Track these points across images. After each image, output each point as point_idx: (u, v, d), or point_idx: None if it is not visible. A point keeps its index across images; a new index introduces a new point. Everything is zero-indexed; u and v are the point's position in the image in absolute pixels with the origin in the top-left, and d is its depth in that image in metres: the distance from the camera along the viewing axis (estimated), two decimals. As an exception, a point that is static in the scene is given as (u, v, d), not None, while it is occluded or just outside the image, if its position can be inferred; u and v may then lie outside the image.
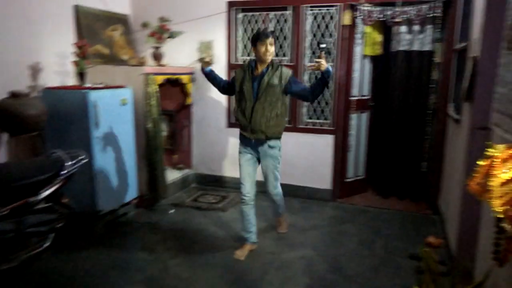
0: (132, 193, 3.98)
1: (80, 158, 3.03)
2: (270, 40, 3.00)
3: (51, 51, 3.80)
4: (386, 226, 3.83)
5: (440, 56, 4.09)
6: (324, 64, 2.84)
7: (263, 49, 2.99)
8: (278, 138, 3.17)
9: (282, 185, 4.53)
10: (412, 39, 4.20)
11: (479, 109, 2.55)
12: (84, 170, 3.29)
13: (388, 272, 2.96)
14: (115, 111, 3.66)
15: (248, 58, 4.60)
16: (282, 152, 3.26)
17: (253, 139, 3.11)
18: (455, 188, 3.11)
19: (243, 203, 3.25)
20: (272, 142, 3.13)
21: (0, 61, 3.34)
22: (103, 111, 3.48)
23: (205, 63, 3.29)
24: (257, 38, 3.01)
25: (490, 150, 1.42)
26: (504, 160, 1.38)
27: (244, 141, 3.19)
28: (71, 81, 4.04)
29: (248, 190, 3.21)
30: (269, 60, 3.05)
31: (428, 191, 4.28)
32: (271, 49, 3.02)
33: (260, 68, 3.08)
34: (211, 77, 3.36)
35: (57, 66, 3.88)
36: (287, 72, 3.08)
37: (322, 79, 2.90)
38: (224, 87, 3.39)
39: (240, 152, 3.24)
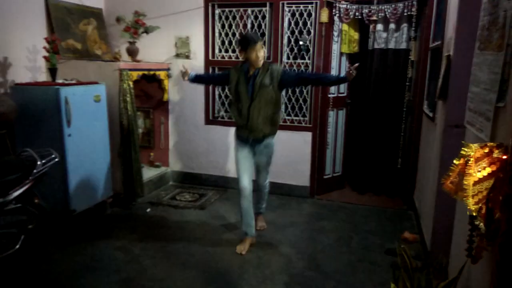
0: (107, 192, 3.89)
1: (51, 157, 2.94)
2: (260, 44, 3.04)
3: (21, 46, 3.66)
4: (363, 222, 3.88)
5: (415, 54, 4.16)
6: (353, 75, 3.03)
7: (253, 55, 3.04)
8: (274, 135, 3.31)
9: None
10: (388, 38, 4.25)
11: (452, 107, 2.60)
12: (56, 169, 3.20)
13: (365, 268, 3.00)
14: (88, 108, 3.56)
15: (227, 54, 4.56)
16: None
17: (251, 138, 3.20)
18: (429, 184, 3.17)
19: (242, 197, 3.26)
20: (268, 140, 3.26)
21: (-35, 56, 3.19)
22: (75, 108, 3.38)
23: (184, 74, 3.39)
24: (247, 44, 3.04)
25: (464, 149, 1.44)
26: (478, 159, 1.41)
27: (241, 139, 3.27)
28: (42, 77, 3.91)
29: (246, 184, 3.23)
30: (261, 65, 3.10)
31: (403, 187, 4.36)
32: (262, 53, 3.07)
33: (252, 70, 3.13)
34: (198, 79, 3.48)
35: (27, 61, 3.75)
36: (277, 69, 3.14)
37: (342, 80, 3.34)
38: (216, 79, 3.65)
39: (237, 149, 3.32)
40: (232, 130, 4.60)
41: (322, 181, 4.57)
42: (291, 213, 4.07)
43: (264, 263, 3.07)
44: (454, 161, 1.46)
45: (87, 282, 2.77)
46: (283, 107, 4.45)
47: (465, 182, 1.39)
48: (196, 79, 3.44)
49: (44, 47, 3.56)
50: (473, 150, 1.41)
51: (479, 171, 1.39)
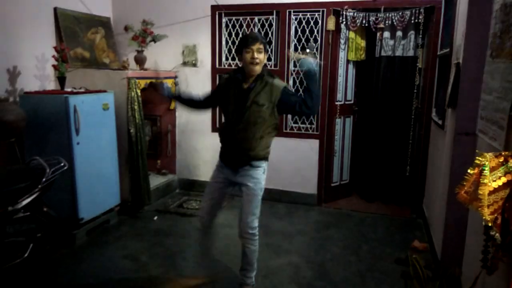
0: (114, 200, 3.89)
1: (60, 165, 2.95)
2: (258, 45, 2.42)
3: (30, 55, 3.69)
4: (371, 230, 3.84)
5: (423, 61, 4.15)
6: (294, 55, 2.55)
7: (248, 56, 2.43)
8: (264, 159, 2.62)
9: (267, 190, 4.55)
10: (396, 45, 4.25)
11: (462, 115, 2.58)
12: (65, 177, 3.21)
13: (374, 278, 2.97)
14: (96, 116, 3.57)
15: (234, 62, 4.58)
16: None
17: (233, 160, 2.62)
18: (439, 192, 3.14)
19: (199, 228, 2.84)
20: (255, 162, 2.58)
21: (-24, 65, 3.22)
22: (84, 116, 3.39)
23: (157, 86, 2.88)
24: (243, 44, 2.46)
25: (478, 158, 1.42)
26: (493, 169, 1.39)
27: (223, 160, 2.71)
28: (51, 85, 3.94)
29: (205, 213, 2.74)
30: (256, 71, 2.47)
31: (412, 195, 4.32)
32: (260, 56, 2.44)
33: (248, 82, 2.52)
34: (183, 98, 2.89)
35: (36, 70, 3.78)
36: (278, 86, 2.49)
37: (305, 76, 2.51)
38: (201, 102, 2.85)
39: (214, 171, 2.78)
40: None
41: (329, 189, 4.55)
42: (298, 221, 4.05)
43: (273, 272, 3.04)
44: (469, 170, 1.44)
45: (95, 291, 2.76)
46: (289, 115, 4.44)
47: (480, 192, 1.37)
48: (181, 97, 2.90)
49: (53, 56, 3.59)
50: (487, 159, 1.39)
51: (494, 181, 1.38)
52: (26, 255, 2.81)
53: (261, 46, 2.44)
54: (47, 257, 3.18)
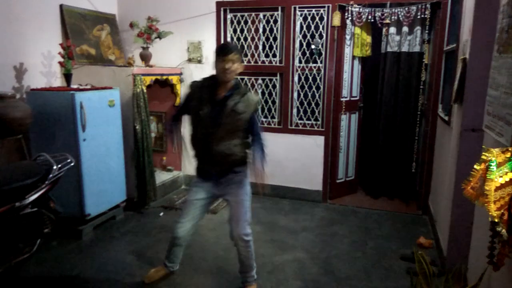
0: (120, 196, 3.92)
1: (67, 161, 2.97)
2: (232, 56, 2.43)
3: (36, 52, 3.71)
4: (377, 227, 3.84)
5: (429, 57, 4.12)
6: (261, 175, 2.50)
7: (221, 66, 2.44)
8: (245, 163, 2.60)
9: (273, 187, 4.57)
10: (401, 41, 4.22)
11: (469, 111, 2.57)
12: (71, 173, 3.24)
13: (380, 274, 2.96)
14: (102, 112, 3.59)
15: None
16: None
17: (214, 172, 2.59)
18: (445, 188, 3.13)
19: (175, 244, 2.79)
20: (237, 168, 2.57)
21: (-17, 62, 3.25)
22: (90, 112, 3.41)
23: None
24: (217, 53, 2.48)
25: (485, 153, 1.41)
26: (499, 164, 1.38)
27: (202, 175, 2.65)
28: (57, 82, 3.96)
29: (181, 233, 2.69)
30: (229, 80, 2.49)
31: (418, 192, 4.31)
32: (233, 66, 2.45)
33: (222, 90, 2.51)
34: (177, 128, 2.94)
35: (43, 67, 3.80)
36: (254, 100, 2.54)
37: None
38: (180, 119, 2.85)
39: (192, 187, 2.72)
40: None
41: (335, 185, 4.54)
42: (304, 217, 4.05)
43: (278, 268, 3.05)
44: (475, 166, 1.43)
45: (101, 285, 2.78)
46: (295, 110, 4.44)
47: (487, 188, 1.36)
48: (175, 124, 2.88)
49: (59, 53, 3.61)
50: (494, 155, 1.39)
51: (501, 177, 1.37)
52: (33, 250, 2.84)
53: (235, 57, 2.45)
54: (54, 252, 3.22)
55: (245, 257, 2.67)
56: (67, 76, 3.62)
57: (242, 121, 2.48)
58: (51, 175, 2.81)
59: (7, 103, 3.11)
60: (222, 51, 2.46)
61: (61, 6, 3.97)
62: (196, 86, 2.59)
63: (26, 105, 3.31)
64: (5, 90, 3.27)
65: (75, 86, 3.61)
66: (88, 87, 3.66)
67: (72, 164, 2.99)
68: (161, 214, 4.08)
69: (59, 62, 3.67)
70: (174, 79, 4.55)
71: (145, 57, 4.33)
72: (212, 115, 2.48)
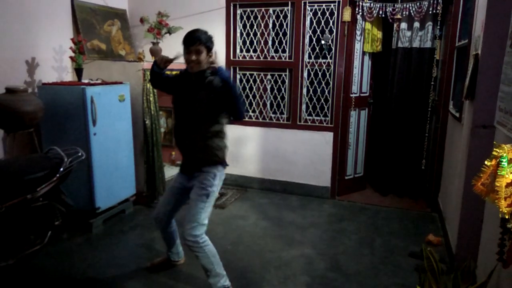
0: (130, 190, 3.95)
1: (77, 155, 3.00)
2: (197, 46, 2.38)
3: (47, 46, 3.75)
4: (385, 224, 3.82)
5: (440, 53, 4.08)
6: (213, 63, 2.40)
7: (186, 58, 2.43)
8: (217, 164, 2.54)
9: (281, 183, 4.58)
10: (413, 36, 4.18)
11: (480, 107, 2.54)
12: (82, 167, 3.28)
13: (388, 271, 2.95)
14: (112, 107, 3.62)
15: (248, 54, 4.57)
16: (220, 184, 2.58)
17: (188, 167, 2.59)
18: (455, 186, 3.10)
19: (160, 231, 2.83)
20: (206, 168, 2.51)
21: (-4, 56, 3.29)
22: (100, 107, 3.44)
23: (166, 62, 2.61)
24: (182, 43, 2.44)
25: (496, 149, 1.40)
26: (511, 161, 1.37)
27: (182, 166, 2.68)
28: (68, 77, 4.00)
29: (156, 214, 2.71)
30: (195, 70, 2.44)
31: (427, 189, 4.28)
32: (199, 57, 2.39)
33: (193, 80, 2.49)
34: (161, 76, 2.68)
35: (54, 61, 3.84)
36: (218, 81, 2.38)
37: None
38: (165, 82, 2.70)
39: (176, 176, 2.75)
40: (251, 129, 4.62)
41: (343, 182, 4.53)
42: (312, 213, 4.05)
43: (285, 263, 3.06)
44: (486, 162, 1.42)
45: (111, 277, 2.82)
46: (304, 106, 4.43)
47: (497, 184, 1.35)
48: (163, 75, 2.68)
49: (71, 48, 3.64)
50: (505, 151, 1.37)
51: (512, 173, 1.35)
52: (44, 242, 2.88)
53: (200, 47, 2.38)
54: (65, 244, 3.26)
55: (202, 261, 2.50)
56: (78, 71, 3.65)
57: (206, 110, 2.43)
58: (62, 169, 2.84)
59: (19, 97, 3.16)
60: (186, 41, 2.41)
61: (72, 1, 4.00)
62: (182, 74, 2.59)
63: (38, 99, 3.35)
64: (17, 84, 3.31)
65: (86, 81, 3.64)
66: (99, 81, 3.69)
67: (82, 157, 3.02)
68: (170, 208, 4.10)
69: (70, 57, 3.70)
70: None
71: (155, 52, 4.35)
72: (182, 106, 2.51)
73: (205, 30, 2.51)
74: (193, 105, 2.46)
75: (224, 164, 2.59)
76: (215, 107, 2.43)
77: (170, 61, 2.57)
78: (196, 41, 2.38)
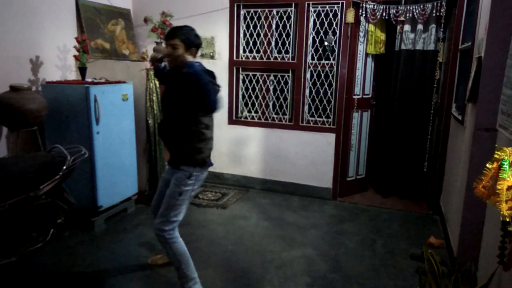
0: (132, 189, 3.97)
1: (80, 153, 3.01)
2: (172, 41, 2.41)
3: (52, 45, 3.77)
4: (386, 225, 3.82)
5: (443, 55, 4.07)
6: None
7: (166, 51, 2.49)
8: (194, 165, 2.49)
9: (282, 183, 4.58)
10: (416, 38, 4.18)
11: (483, 110, 2.54)
12: (85, 166, 3.29)
13: (389, 272, 2.95)
14: (116, 106, 3.64)
15: (251, 54, 4.58)
16: (198, 184, 2.54)
17: (170, 158, 2.60)
18: (457, 188, 3.10)
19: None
20: (183, 166, 2.48)
21: (1, 55, 3.31)
22: (103, 106, 3.46)
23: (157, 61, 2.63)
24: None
25: (497, 152, 1.40)
26: (512, 164, 1.37)
27: (169, 158, 2.67)
28: (72, 75, 4.02)
29: (152, 206, 2.76)
30: (170, 65, 2.53)
31: (429, 191, 4.27)
32: (175, 51, 2.41)
33: (171, 74, 2.55)
34: (163, 72, 2.70)
35: (58, 60, 3.86)
36: (189, 79, 2.33)
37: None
38: (163, 74, 2.71)
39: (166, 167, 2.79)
40: (253, 130, 4.63)
41: (345, 183, 4.53)
42: (313, 214, 4.05)
43: (286, 264, 3.06)
44: (487, 165, 1.42)
45: (112, 276, 2.83)
46: (306, 107, 4.43)
47: (499, 187, 1.35)
48: (164, 70, 2.71)
49: (75, 47, 3.66)
50: (507, 154, 1.37)
51: (513, 176, 1.36)
52: (47, 239, 2.89)
53: (176, 42, 2.40)
54: (67, 242, 3.28)
55: (169, 257, 2.55)
56: (82, 70, 3.67)
57: (175, 103, 2.44)
58: (65, 167, 2.85)
59: (23, 95, 3.17)
60: (166, 35, 2.48)
61: (76, 0, 4.02)
62: (169, 70, 2.63)
63: (42, 97, 3.36)
64: (21, 83, 3.33)
65: (89, 80, 3.66)
66: (102, 81, 3.70)
67: (85, 156, 3.03)
68: (172, 207, 4.11)
69: (74, 56, 3.72)
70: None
71: (159, 52, 4.35)
72: (162, 100, 2.60)
73: (192, 28, 2.54)
74: (168, 99, 2.52)
75: (203, 165, 2.54)
76: (185, 100, 2.41)
77: (157, 60, 2.60)
78: (172, 35, 2.42)
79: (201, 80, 2.28)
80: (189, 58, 2.42)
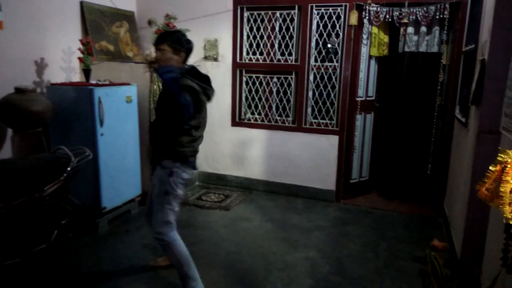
0: (135, 191, 3.98)
1: (85, 154, 3.03)
2: (160, 46, 2.46)
3: (56, 47, 3.80)
4: (390, 228, 3.81)
5: (447, 58, 4.07)
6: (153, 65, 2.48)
7: (155, 55, 2.55)
8: (172, 159, 2.48)
9: (286, 185, 4.58)
10: (419, 41, 4.18)
11: (486, 113, 2.53)
12: (89, 167, 3.31)
13: (392, 275, 2.95)
14: (120, 108, 3.65)
15: (255, 56, 4.59)
16: (180, 182, 2.52)
17: (153, 160, 2.67)
18: (460, 191, 3.09)
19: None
20: (163, 162, 2.50)
21: (6, 57, 3.34)
22: (107, 108, 3.48)
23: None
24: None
25: (501, 155, 1.40)
26: (516, 166, 1.37)
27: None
28: (76, 77, 4.04)
29: (145, 213, 2.81)
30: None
31: (433, 194, 4.26)
32: (162, 56, 2.45)
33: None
34: None
35: (63, 62, 3.88)
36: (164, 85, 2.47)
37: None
38: None
39: None
40: (256, 132, 4.64)
41: (348, 186, 4.52)
42: (316, 216, 4.05)
43: (289, 266, 3.06)
44: (490, 168, 1.42)
45: (115, 277, 2.84)
46: (309, 110, 4.43)
47: (502, 189, 1.35)
48: None
49: (79, 49, 3.69)
50: (510, 157, 1.37)
51: (517, 178, 1.35)
52: (51, 240, 2.91)
53: (164, 46, 2.44)
54: (70, 244, 3.29)
55: (171, 259, 2.60)
56: (86, 72, 3.69)
57: (164, 106, 2.48)
58: (69, 168, 2.87)
59: (28, 97, 3.20)
60: (155, 40, 2.52)
61: (81, 3, 4.05)
62: None
63: (46, 99, 3.39)
64: (26, 84, 3.35)
65: (93, 82, 3.67)
66: (107, 83, 3.72)
67: (90, 157, 3.04)
68: (175, 209, 4.12)
69: (79, 58, 3.74)
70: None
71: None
72: (157, 101, 2.64)
73: (183, 33, 2.63)
74: (158, 101, 2.58)
75: (184, 162, 2.52)
76: (164, 104, 2.48)
77: (150, 62, 2.62)
78: (160, 40, 2.47)
79: (171, 88, 2.31)
80: (176, 62, 2.46)
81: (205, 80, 2.52)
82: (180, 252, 2.53)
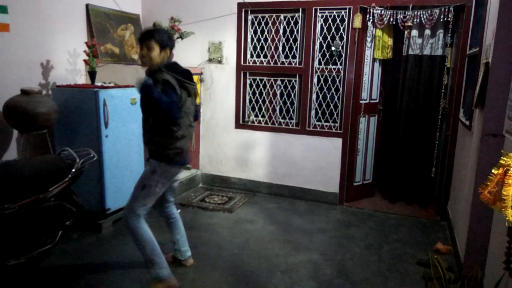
0: (139, 192, 3.99)
1: (89, 156, 3.06)
2: (145, 42, 2.46)
3: (62, 50, 3.83)
4: (393, 231, 3.80)
5: (451, 61, 4.07)
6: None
7: (139, 52, 2.54)
8: (158, 159, 2.55)
9: (289, 188, 4.58)
10: (424, 44, 4.17)
11: (490, 116, 2.53)
12: (93, 169, 3.33)
13: (395, 278, 2.94)
14: (124, 110, 3.67)
15: (259, 59, 4.61)
16: (163, 181, 2.57)
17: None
18: (464, 194, 3.08)
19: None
20: (151, 161, 2.59)
21: (12, 59, 3.37)
22: (112, 110, 3.50)
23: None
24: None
25: (503, 158, 1.40)
26: (518, 169, 1.37)
27: None
28: (82, 79, 4.08)
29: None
30: (146, 66, 2.54)
31: (436, 197, 4.25)
32: (148, 53, 2.46)
33: (145, 75, 2.58)
34: None
35: (68, 64, 3.92)
36: (159, 77, 2.41)
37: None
38: None
39: None
40: (260, 134, 4.65)
41: (351, 188, 4.52)
42: (319, 219, 4.05)
43: (292, 268, 3.06)
44: (493, 170, 1.42)
45: (119, 279, 2.85)
46: (313, 112, 4.44)
47: (504, 193, 1.35)
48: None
49: (85, 51, 3.72)
50: (513, 160, 1.37)
51: (520, 182, 1.35)
52: (55, 241, 2.93)
53: (150, 43, 2.45)
54: (75, 244, 3.31)
55: (135, 244, 2.62)
56: (92, 74, 3.72)
57: (142, 104, 2.54)
58: (74, 169, 2.90)
59: (33, 99, 3.23)
60: (140, 36, 2.51)
61: (87, 5, 4.08)
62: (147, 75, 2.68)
63: (52, 101, 3.42)
64: (32, 86, 3.39)
65: (99, 84, 3.70)
66: (112, 85, 3.75)
67: (94, 158, 3.08)
68: (179, 211, 4.11)
69: (84, 60, 3.77)
70: (194, 79, 4.60)
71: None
72: None
73: (165, 30, 2.68)
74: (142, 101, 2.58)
75: (170, 162, 2.56)
76: (145, 107, 2.54)
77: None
78: (147, 36, 2.47)
79: (152, 93, 2.30)
80: (162, 58, 2.49)
81: (184, 75, 2.53)
82: (144, 237, 2.57)
